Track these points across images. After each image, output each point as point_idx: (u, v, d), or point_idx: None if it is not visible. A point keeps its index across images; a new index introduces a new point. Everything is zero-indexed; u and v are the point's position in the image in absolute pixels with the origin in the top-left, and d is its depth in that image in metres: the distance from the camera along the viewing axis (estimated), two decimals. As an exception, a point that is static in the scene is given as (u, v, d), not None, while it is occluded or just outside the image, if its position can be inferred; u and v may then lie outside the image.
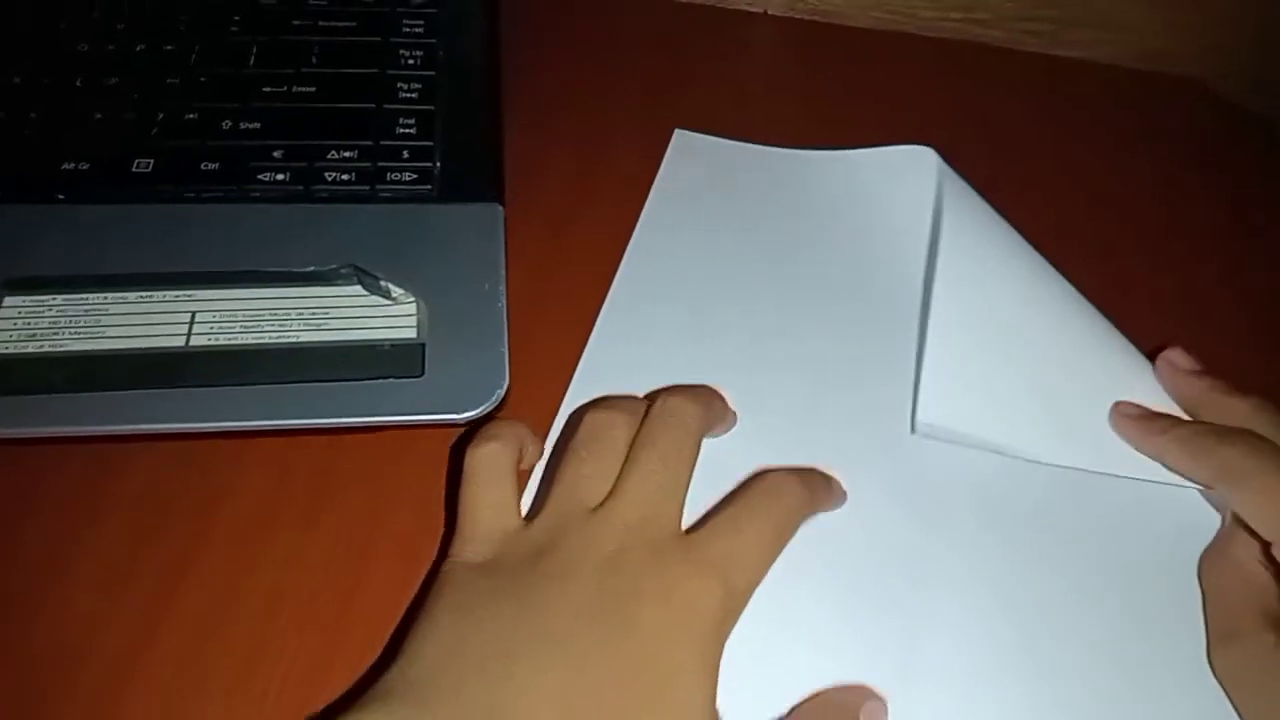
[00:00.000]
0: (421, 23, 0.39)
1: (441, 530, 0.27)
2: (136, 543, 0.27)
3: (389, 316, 0.30)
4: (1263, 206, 0.41)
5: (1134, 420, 0.29)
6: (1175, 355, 0.30)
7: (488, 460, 0.25)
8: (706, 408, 0.27)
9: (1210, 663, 0.26)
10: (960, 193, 0.34)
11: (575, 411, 0.29)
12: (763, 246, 0.36)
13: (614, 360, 0.31)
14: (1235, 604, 0.26)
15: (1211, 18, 0.46)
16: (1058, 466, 0.29)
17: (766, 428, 0.30)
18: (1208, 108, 0.46)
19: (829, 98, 0.44)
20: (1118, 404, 0.30)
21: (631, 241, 0.35)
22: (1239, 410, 0.28)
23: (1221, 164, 0.43)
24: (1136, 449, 0.29)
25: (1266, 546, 0.26)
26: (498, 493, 0.25)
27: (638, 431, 0.26)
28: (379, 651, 0.25)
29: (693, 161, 0.38)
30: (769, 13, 0.48)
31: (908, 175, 0.36)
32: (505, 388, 0.28)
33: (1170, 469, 0.28)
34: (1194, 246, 0.39)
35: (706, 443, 0.27)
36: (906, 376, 0.31)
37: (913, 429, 0.30)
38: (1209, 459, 0.27)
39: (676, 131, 0.39)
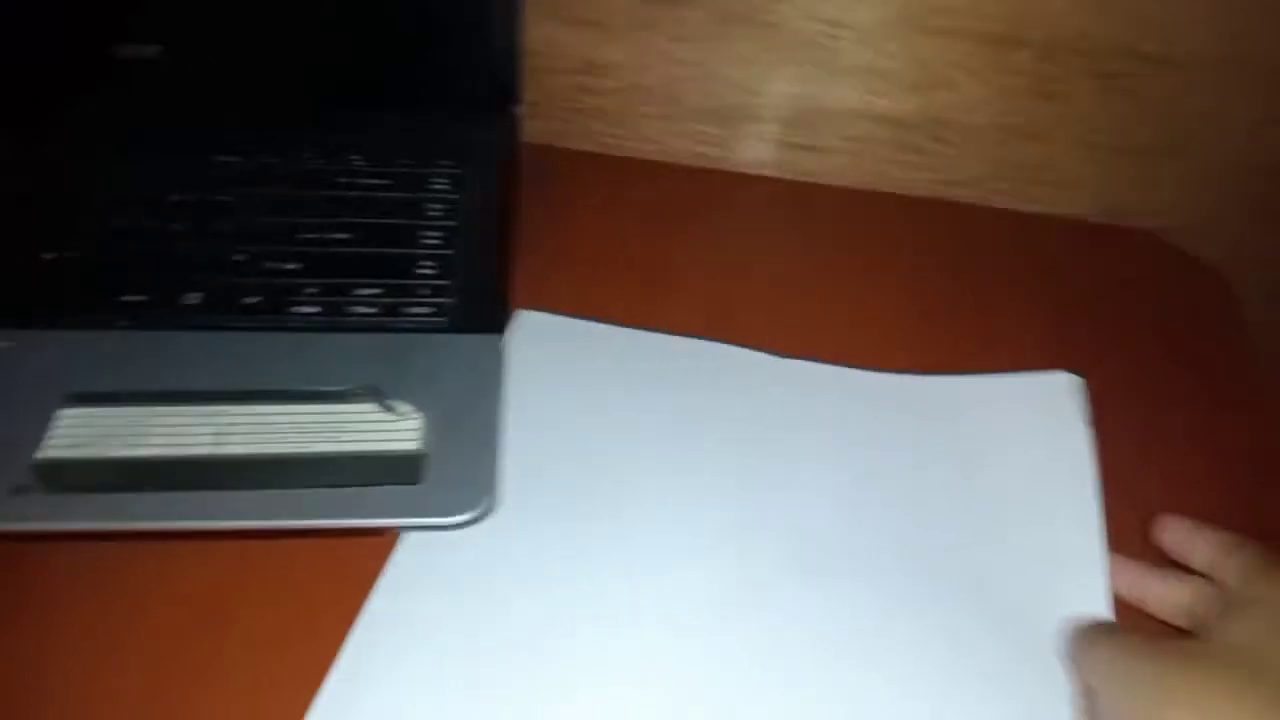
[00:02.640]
0: (448, 182, 0.45)
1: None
2: (156, 634, 0.30)
3: (396, 431, 0.33)
4: (1221, 351, 0.44)
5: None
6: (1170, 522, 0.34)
7: None
8: None
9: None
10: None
11: None
12: (627, 429, 0.37)
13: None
14: None
15: (1165, 174, 0.51)
16: None
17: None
18: (1163, 258, 0.49)
19: (808, 254, 0.48)
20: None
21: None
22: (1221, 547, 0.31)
23: (1178, 312, 0.46)
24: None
25: None
26: None
27: None
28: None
29: (542, 343, 0.40)
30: (763, 174, 0.53)
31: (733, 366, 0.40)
32: (494, 497, 0.31)
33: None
34: (1156, 394, 0.42)
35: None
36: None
37: None
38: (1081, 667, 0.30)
39: (518, 311, 0.41)
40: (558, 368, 0.39)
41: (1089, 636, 0.30)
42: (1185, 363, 0.43)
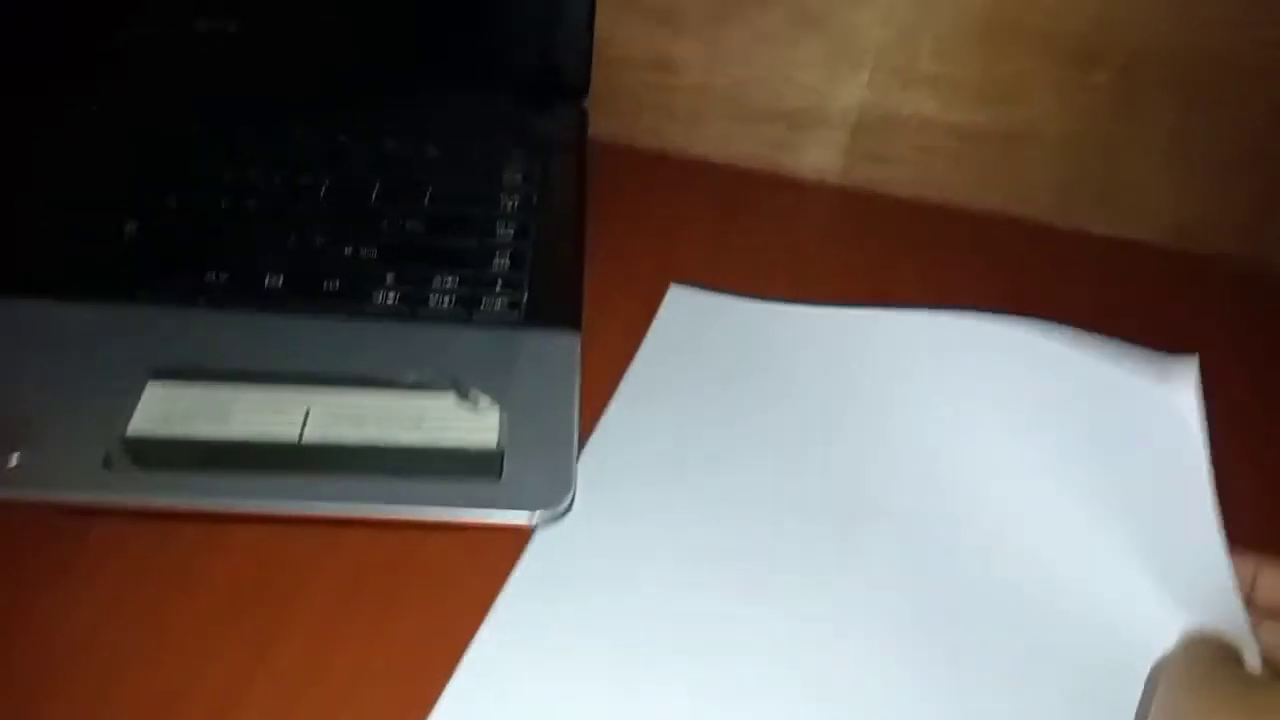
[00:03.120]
0: (520, 174, 0.45)
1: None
2: (228, 618, 0.30)
3: (475, 424, 0.33)
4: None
5: None
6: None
7: None
8: None
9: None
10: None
11: None
12: (747, 398, 0.38)
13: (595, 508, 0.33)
14: None
15: (1239, 195, 0.50)
16: None
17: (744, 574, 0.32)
18: (1234, 283, 0.49)
19: (872, 262, 0.48)
20: None
21: (620, 386, 0.38)
22: None
23: (1250, 339, 0.46)
24: None
25: None
26: None
27: None
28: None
29: (686, 315, 0.41)
30: (827, 180, 0.53)
31: (894, 338, 0.39)
32: (572, 495, 0.32)
33: None
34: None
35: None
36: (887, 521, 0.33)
37: None
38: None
39: (672, 285, 0.42)
40: (698, 343, 0.40)
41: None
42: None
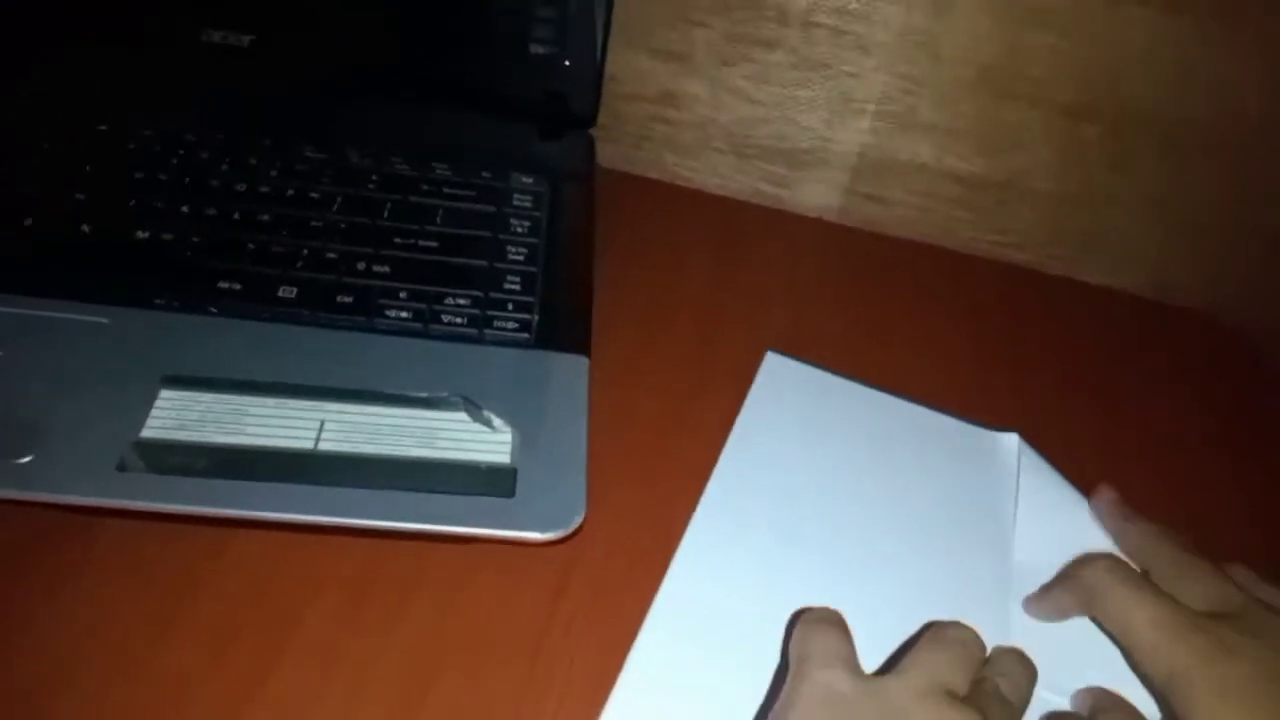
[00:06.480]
0: (530, 198, 0.46)
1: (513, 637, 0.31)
2: (236, 624, 0.30)
3: (487, 442, 0.34)
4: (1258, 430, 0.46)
5: (1037, 597, 0.35)
6: (1105, 492, 0.37)
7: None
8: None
9: None
10: (1041, 479, 0.39)
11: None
12: (846, 484, 0.39)
13: (695, 585, 0.34)
14: None
15: (1221, 253, 0.52)
16: None
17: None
18: (1211, 339, 0.51)
19: (866, 301, 0.49)
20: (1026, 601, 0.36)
21: (721, 458, 0.38)
22: (1146, 535, 0.34)
23: (1218, 388, 0.48)
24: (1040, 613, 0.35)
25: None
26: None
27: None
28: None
29: (782, 387, 0.42)
30: (824, 219, 0.55)
31: (994, 459, 0.40)
32: (583, 515, 0.32)
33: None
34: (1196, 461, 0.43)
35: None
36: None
37: None
38: (1074, 585, 0.33)
39: (768, 354, 0.43)
40: (788, 412, 0.41)
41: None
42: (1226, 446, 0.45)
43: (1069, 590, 0.34)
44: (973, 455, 0.41)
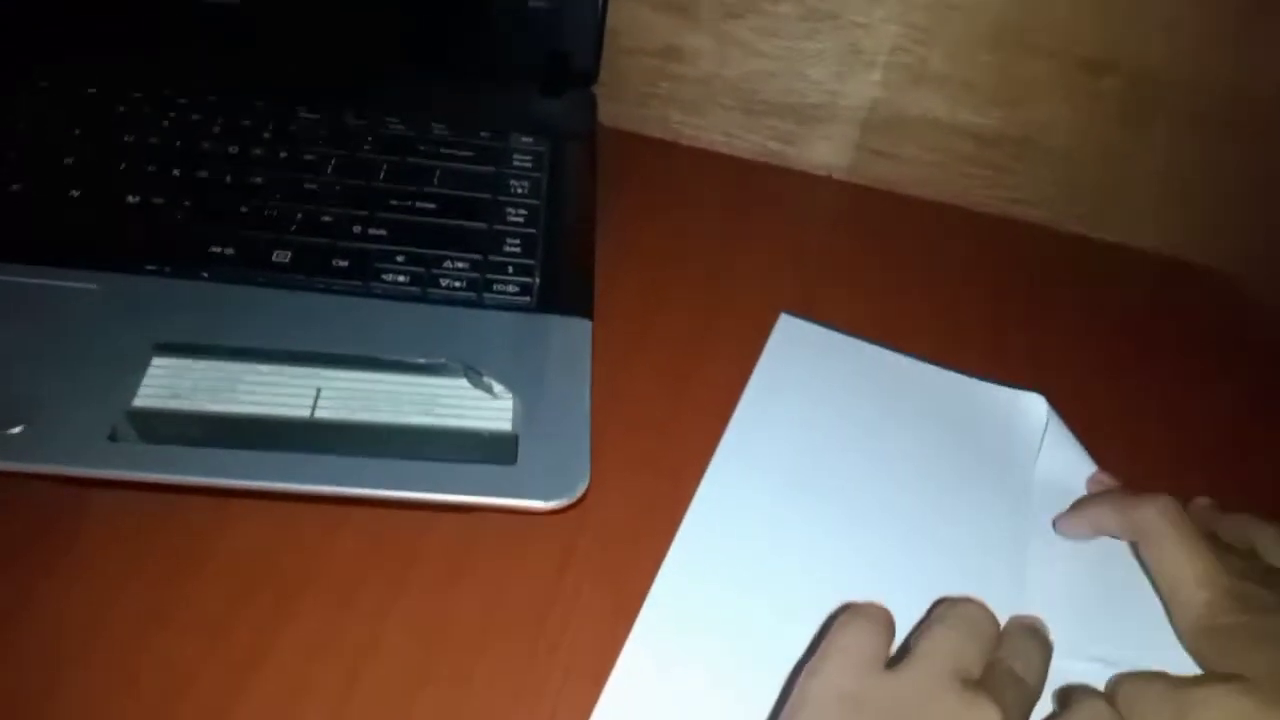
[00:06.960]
0: (530, 159, 0.44)
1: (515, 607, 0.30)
2: (237, 597, 0.30)
3: (488, 409, 0.33)
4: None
5: (1075, 510, 0.36)
6: (1102, 477, 0.37)
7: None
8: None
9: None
10: (1061, 443, 0.38)
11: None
12: (861, 444, 0.38)
13: (711, 532, 0.34)
14: None
15: (1236, 218, 0.51)
16: None
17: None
18: (1226, 301, 0.50)
19: (877, 261, 0.48)
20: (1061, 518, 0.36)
21: (734, 418, 0.38)
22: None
23: (1237, 348, 0.47)
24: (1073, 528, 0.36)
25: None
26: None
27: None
28: None
29: (797, 348, 0.41)
30: (833, 176, 0.53)
31: (1015, 419, 0.39)
32: (587, 482, 0.31)
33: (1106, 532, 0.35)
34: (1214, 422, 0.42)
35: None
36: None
37: None
38: (1127, 516, 0.33)
39: (782, 315, 0.42)
40: (802, 373, 0.40)
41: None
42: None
43: (1117, 512, 0.34)
44: (991, 414, 0.40)
